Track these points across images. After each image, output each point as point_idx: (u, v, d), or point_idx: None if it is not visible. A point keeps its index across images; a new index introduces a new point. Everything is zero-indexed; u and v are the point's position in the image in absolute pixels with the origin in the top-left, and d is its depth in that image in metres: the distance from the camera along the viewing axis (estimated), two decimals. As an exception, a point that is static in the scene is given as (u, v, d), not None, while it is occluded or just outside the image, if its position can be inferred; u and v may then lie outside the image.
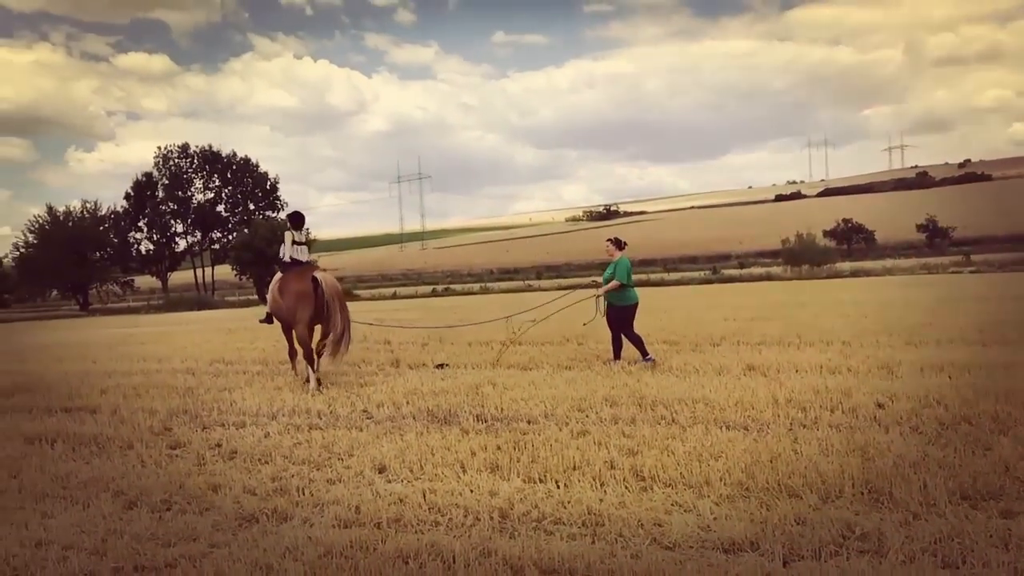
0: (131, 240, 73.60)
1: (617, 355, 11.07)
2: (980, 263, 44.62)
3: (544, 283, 58.14)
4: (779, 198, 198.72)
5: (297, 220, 10.98)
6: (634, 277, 11.28)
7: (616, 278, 10.89)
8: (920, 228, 75.68)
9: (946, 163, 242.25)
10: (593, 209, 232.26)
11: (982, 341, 11.40)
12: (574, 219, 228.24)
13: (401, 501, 5.35)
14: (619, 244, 11.23)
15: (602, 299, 11.23)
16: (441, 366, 11.65)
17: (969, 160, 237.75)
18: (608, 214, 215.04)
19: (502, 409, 8.12)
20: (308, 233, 11.17)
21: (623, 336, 11.04)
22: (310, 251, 11.53)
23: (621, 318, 10.99)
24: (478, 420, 7.73)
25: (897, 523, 4.53)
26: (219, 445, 7.35)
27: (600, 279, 11.50)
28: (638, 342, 10.96)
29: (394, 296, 55.27)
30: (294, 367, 11.34)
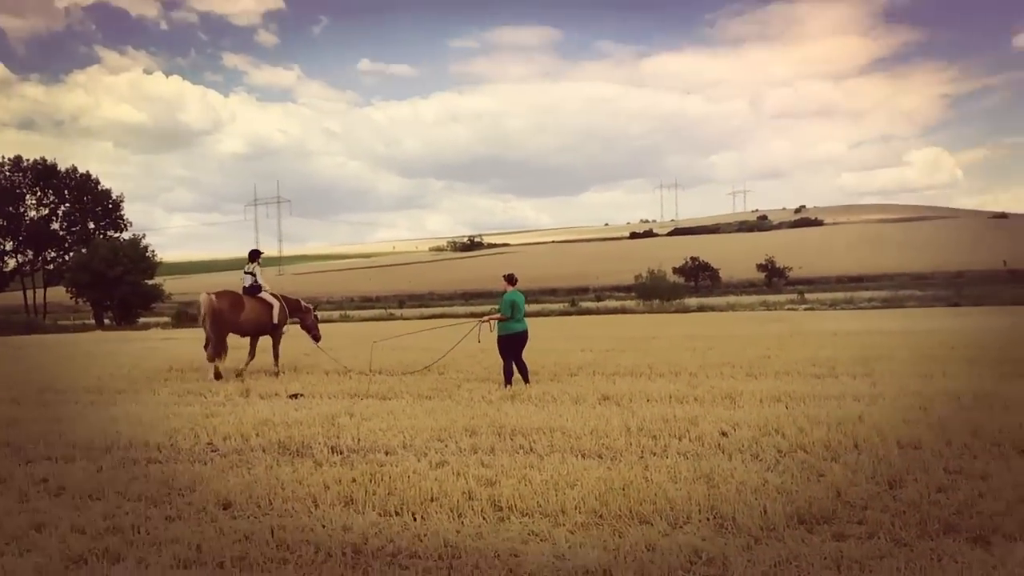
0: (-47, 258, 67.26)
1: (508, 381, 11.62)
2: (813, 301, 48.07)
3: (407, 312, 57.67)
4: (633, 235, 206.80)
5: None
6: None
7: (500, 310, 11.83)
8: (760, 268, 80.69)
9: (783, 208, 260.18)
10: (457, 240, 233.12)
11: (815, 373, 12.22)
12: (438, 249, 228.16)
13: (247, 538, 5.07)
14: (508, 279, 12.10)
15: (482, 328, 12.31)
16: (295, 396, 11.26)
17: (804, 206, 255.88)
18: (472, 245, 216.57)
19: (359, 440, 7.91)
20: (249, 264, 14.53)
21: (511, 361, 11.74)
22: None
23: (502, 347, 11.75)
24: (333, 452, 7.49)
25: (740, 547, 4.73)
26: (45, 480, 6.75)
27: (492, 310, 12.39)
28: (507, 371, 11.69)
29: (247, 323, 53.05)
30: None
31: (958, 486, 5.78)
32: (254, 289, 14.27)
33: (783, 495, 5.64)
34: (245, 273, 14.46)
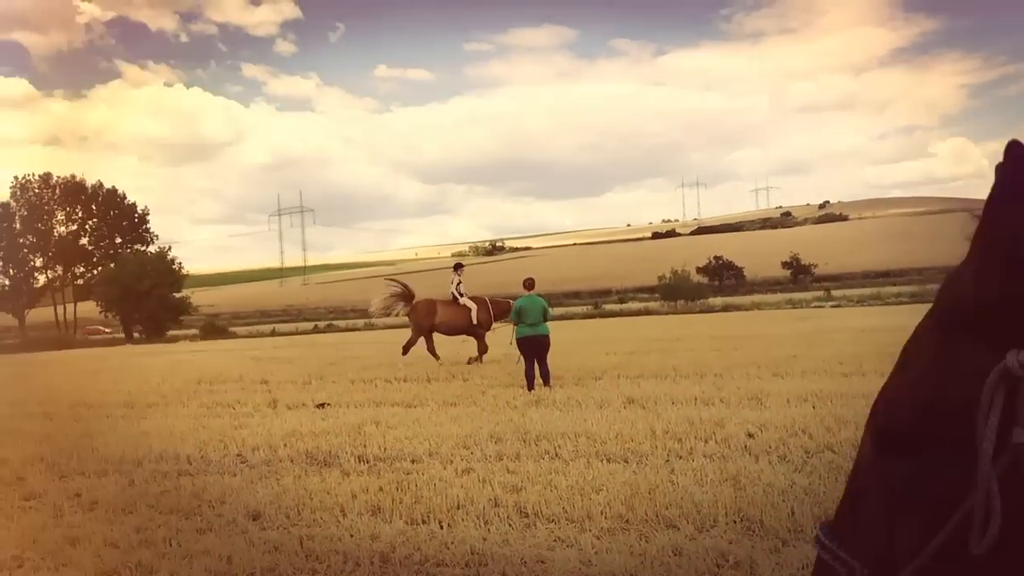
0: (-16, 275, 68.47)
1: (529, 385, 11.65)
2: (839, 298, 47.62)
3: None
4: (656, 236, 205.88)
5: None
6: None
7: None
8: (785, 265, 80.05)
9: (807, 204, 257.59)
10: (479, 245, 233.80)
11: (842, 372, 12.12)
12: (460, 254, 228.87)
13: (276, 549, 5.13)
14: (525, 284, 12.36)
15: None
16: (322, 406, 11.36)
17: (828, 201, 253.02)
18: (494, 250, 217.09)
19: (385, 449, 7.97)
20: (453, 274, 17.29)
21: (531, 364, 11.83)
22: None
23: (520, 349, 11.98)
24: (360, 461, 7.55)
25: (767, 550, 4.70)
26: (78, 495, 6.87)
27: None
28: (528, 375, 11.74)
29: (273, 333, 53.60)
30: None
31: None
32: (456, 296, 16.80)
33: (810, 496, 5.60)
34: (451, 282, 16.99)
